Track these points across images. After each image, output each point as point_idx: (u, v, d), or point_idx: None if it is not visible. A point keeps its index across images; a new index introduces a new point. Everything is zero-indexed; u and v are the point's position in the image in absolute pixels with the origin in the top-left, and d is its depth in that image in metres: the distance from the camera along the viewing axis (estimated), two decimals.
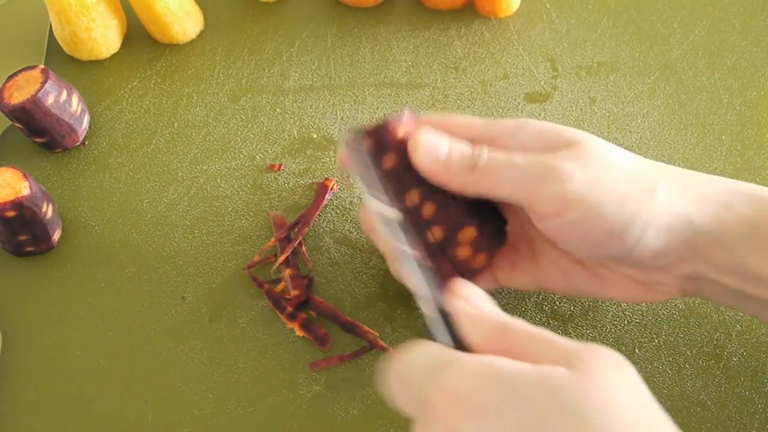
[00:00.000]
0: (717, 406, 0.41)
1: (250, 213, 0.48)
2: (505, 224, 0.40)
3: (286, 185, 0.49)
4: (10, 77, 0.48)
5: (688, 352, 0.43)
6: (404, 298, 0.44)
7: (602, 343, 0.43)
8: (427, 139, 0.37)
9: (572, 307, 0.44)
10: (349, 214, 0.48)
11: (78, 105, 0.50)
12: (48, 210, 0.45)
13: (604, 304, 0.44)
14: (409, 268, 0.35)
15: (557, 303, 0.44)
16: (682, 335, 0.43)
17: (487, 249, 0.39)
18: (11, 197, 0.43)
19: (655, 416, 0.28)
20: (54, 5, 0.50)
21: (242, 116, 0.52)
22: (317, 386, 0.42)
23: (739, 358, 0.43)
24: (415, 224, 0.38)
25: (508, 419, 0.27)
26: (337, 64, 0.55)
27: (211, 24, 0.57)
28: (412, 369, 0.30)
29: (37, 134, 0.48)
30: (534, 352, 0.29)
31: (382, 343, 0.43)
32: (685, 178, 0.37)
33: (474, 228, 0.38)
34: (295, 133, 0.51)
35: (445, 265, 0.38)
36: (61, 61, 0.55)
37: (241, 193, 0.49)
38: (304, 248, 0.46)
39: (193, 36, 0.56)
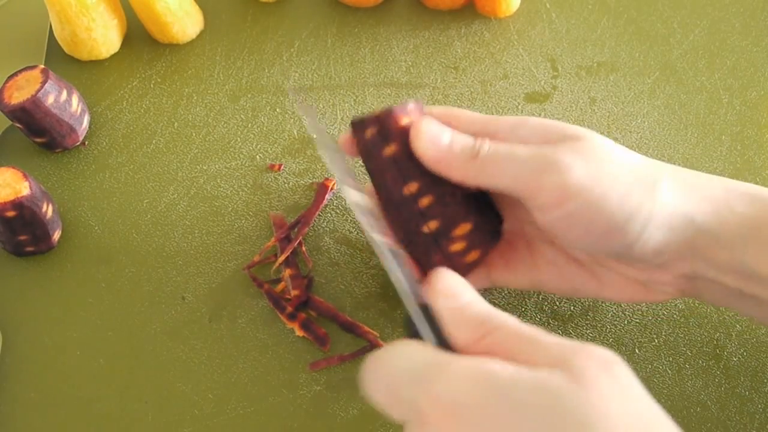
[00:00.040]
0: (717, 406, 0.41)
1: (250, 213, 0.48)
2: (501, 223, 0.40)
3: (286, 185, 0.49)
4: (10, 77, 0.48)
5: (688, 352, 0.43)
6: None
7: (602, 343, 0.43)
8: (429, 127, 0.37)
9: (572, 307, 0.44)
10: (349, 214, 0.48)
11: (78, 105, 0.50)
12: (48, 210, 0.45)
13: (604, 304, 0.44)
14: (385, 259, 0.34)
15: (557, 303, 0.44)
16: (682, 335, 0.43)
17: (481, 245, 0.39)
18: (11, 197, 0.43)
19: (649, 414, 0.28)
20: (54, 5, 0.50)
21: (242, 116, 0.52)
22: (317, 386, 0.42)
23: (739, 358, 0.43)
24: (410, 214, 0.37)
25: (506, 427, 0.26)
26: (337, 64, 0.55)
27: (211, 24, 0.56)
28: (397, 373, 0.29)
29: (37, 134, 0.48)
30: (523, 353, 0.28)
31: (382, 343, 0.43)
32: (685, 177, 0.37)
33: (470, 223, 0.38)
34: (295, 133, 0.51)
35: (437, 258, 0.38)
36: (61, 61, 0.55)
37: (241, 193, 0.49)
38: (304, 248, 0.46)
39: (193, 36, 0.56)
